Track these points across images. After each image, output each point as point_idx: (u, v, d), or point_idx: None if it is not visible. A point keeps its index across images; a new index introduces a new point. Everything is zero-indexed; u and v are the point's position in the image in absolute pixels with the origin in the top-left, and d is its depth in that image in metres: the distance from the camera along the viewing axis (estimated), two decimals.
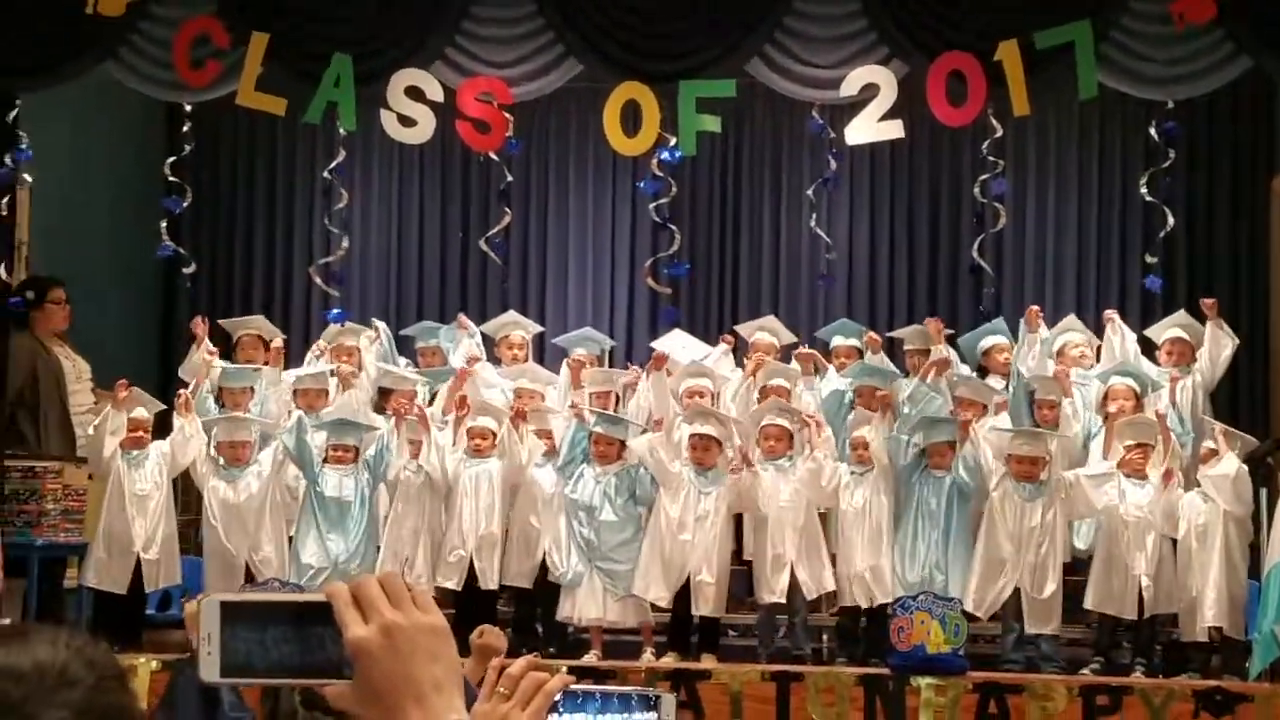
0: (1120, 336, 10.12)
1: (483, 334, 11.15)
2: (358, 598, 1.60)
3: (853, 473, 9.15)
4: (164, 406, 9.73)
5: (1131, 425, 9.03)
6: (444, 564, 9.24)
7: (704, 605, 8.91)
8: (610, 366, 10.67)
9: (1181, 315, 10.36)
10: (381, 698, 1.58)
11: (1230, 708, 7.69)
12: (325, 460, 9.30)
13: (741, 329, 10.89)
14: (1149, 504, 8.72)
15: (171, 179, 11.01)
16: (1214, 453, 8.84)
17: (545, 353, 11.91)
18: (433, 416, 9.57)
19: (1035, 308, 10.22)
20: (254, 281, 12.58)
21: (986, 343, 10.30)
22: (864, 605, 8.93)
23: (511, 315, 11.15)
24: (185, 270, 11.22)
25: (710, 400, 9.82)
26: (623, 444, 9.27)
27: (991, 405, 9.60)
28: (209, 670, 1.58)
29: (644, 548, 9.03)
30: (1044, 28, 9.42)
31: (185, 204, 11.03)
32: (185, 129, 10.71)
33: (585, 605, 9.03)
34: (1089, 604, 8.85)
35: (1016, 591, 8.70)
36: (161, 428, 9.69)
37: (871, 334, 10.41)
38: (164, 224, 11.06)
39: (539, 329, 11.35)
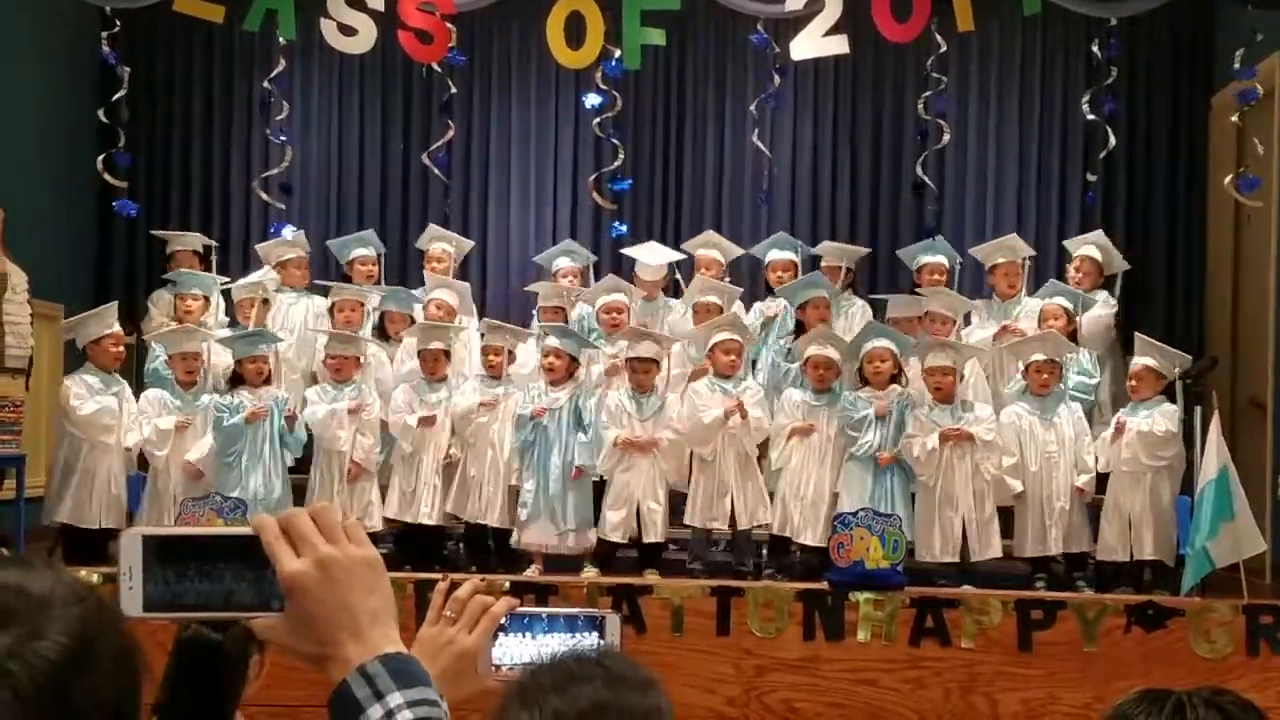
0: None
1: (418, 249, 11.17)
2: (288, 531, 1.58)
3: (810, 402, 9.15)
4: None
5: (1040, 341, 9.11)
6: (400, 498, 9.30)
7: (651, 532, 8.97)
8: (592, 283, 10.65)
9: (1098, 235, 10.42)
10: (316, 631, 1.57)
11: (1162, 622, 7.81)
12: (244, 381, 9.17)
13: (686, 246, 10.88)
14: (1056, 439, 8.85)
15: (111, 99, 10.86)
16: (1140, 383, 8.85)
17: (487, 269, 11.89)
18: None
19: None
20: (192, 193, 12.37)
21: (921, 260, 10.35)
22: (809, 542, 8.95)
23: (437, 229, 11.10)
24: (128, 214, 10.99)
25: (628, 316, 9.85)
26: (574, 360, 9.25)
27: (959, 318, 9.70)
28: (130, 605, 1.55)
29: (607, 497, 9.04)
30: None
31: (123, 115, 10.87)
32: (119, 34, 10.52)
33: (540, 536, 9.03)
34: (1023, 552, 8.96)
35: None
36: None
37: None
38: (101, 166, 10.89)
39: (469, 244, 11.28)
